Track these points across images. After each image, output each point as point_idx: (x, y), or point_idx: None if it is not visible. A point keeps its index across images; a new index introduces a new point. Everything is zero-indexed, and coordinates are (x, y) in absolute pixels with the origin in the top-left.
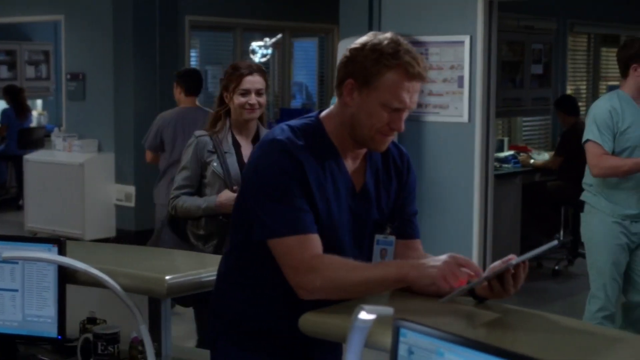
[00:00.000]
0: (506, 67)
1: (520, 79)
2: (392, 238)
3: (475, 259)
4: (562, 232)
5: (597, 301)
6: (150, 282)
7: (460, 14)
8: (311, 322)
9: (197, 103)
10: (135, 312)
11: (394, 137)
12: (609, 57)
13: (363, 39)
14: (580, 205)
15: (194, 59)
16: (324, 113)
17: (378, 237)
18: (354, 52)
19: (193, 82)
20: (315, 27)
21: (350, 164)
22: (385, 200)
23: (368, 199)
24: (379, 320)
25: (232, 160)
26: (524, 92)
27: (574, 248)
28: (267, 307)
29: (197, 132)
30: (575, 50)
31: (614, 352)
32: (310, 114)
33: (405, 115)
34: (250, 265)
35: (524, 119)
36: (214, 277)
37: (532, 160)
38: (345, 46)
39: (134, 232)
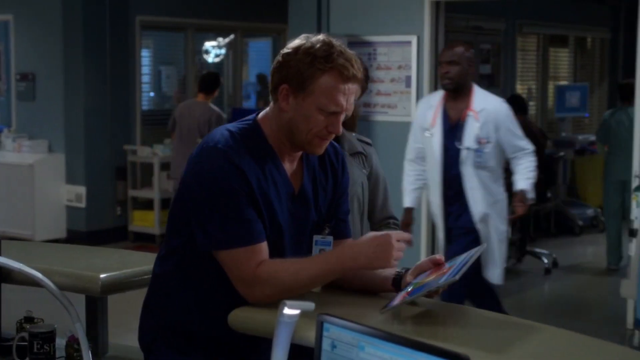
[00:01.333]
0: None
1: None
2: (330, 238)
3: (423, 256)
4: (510, 230)
5: None
6: (85, 280)
7: (407, 15)
8: (240, 318)
9: (209, 100)
10: (70, 310)
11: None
12: (558, 57)
13: (295, 42)
14: None
15: (146, 59)
16: (261, 115)
17: (316, 237)
18: (287, 56)
19: (203, 82)
20: (268, 27)
21: (288, 166)
22: (322, 200)
23: (306, 200)
24: (307, 315)
25: None
26: None
27: (523, 246)
28: (206, 311)
29: None
30: (525, 50)
31: (528, 342)
32: (248, 117)
33: (342, 117)
34: (190, 270)
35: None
36: (150, 275)
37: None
38: None
39: (85, 232)
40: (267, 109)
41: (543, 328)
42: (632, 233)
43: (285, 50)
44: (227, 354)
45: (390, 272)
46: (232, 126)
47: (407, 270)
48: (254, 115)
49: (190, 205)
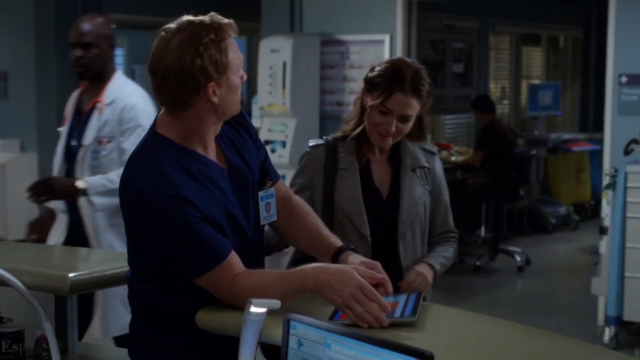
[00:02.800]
0: (428, 66)
1: (442, 78)
2: (272, 189)
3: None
4: (483, 229)
5: None
6: (54, 279)
7: (380, 13)
8: (206, 317)
9: None
10: (39, 309)
11: None
12: (531, 56)
13: (177, 52)
14: None
15: (120, 58)
16: (159, 127)
17: (261, 194)
18: (192, 63)
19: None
20: (241, 26)
21: (210, 151)
22: (252, 160)
23: (241, 172)
24: (274, 314)
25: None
26: (446, 90)
27: (495, 244)
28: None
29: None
30: (498, 49)
31: (500, 340)
32: (146, 138)
33: None
34: (169, 290)
35: (447, 117)
36: (119, 274)
37: (453, 158)
38: (266, 45)
39: None
40: (160, 119)
41: (515, 326)
42: (603, 231)
43: (174, 65)
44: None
45: (335, 242)
46: (144, 152)
47: (352, 249)
48: (147, 131)
49: (150, 247)
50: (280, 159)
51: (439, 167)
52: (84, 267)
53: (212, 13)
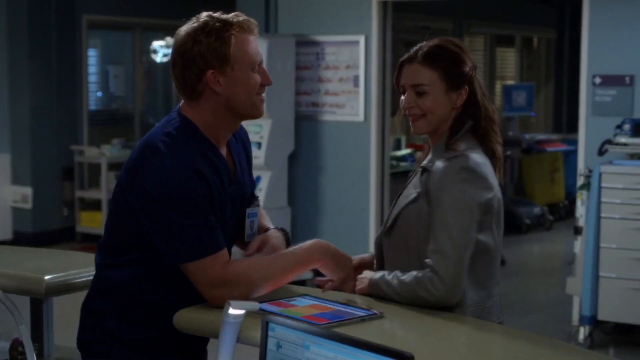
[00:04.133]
0: None
1: None
2: (257, 208)
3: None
4: None
5: None
6: (29, 282)
7: (355, 14)
8: (185, 318)
9: None
10: (14, 312)
11: None
12: (505, 57)
13: (185, 35)
14: None
15: (93, 59)
16: (185, 111)
17: (248, 210)
18: (192, 49)
19: None
20: None
21: (223, 152)
22: (247, 176)
23: (241, 181)
24: (252, 316)
25: None
26: None
27: None
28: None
29: None
30: (473, 50)
31: (476, 340)
32: (171, 117)
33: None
34: (156, 278)
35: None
36: None
37: None
38: None
39: (31, 234)
40: (183, 106)
41: (490, 325)
42: (577, 231)
43: (183, 47)
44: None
45: (265, 225)
46: (164, 129)
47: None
48: (175, 113)
49: (148, 219)
50: (256, 160)
51: (436, 182)
52: (60, 269)
53: (238, 12)
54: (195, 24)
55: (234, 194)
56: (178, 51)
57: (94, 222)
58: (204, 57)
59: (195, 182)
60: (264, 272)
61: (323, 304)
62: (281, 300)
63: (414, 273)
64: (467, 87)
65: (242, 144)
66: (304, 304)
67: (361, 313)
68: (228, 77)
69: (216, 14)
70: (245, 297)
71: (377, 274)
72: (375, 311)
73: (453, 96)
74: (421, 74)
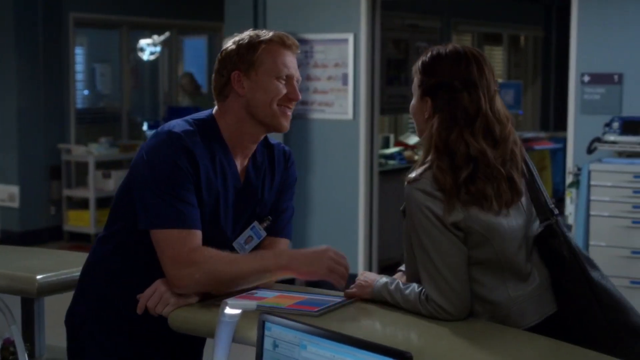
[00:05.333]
0: (392, 65)
1: (406, 77)
2: (264, 233)
3: (361, 254)
4: None
5: None
6: (21, 281)
7: (344, 13)
8: (180, 318)
9: None
10: (5, 312)
11: (291, 115)
12: (492, 55)
13: (227, 43)
14: None
15: (80, 57)
16: (215, 112)
17: (255, 223)
18: (226, 53)
19: None
20: (203, 25)
21: (240, 162)
22: (268, 196)
23: (251, 195)
24: (248, 315)
25: None
26: (409, 89)
27: None
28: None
29: None
30: None
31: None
32: (204, 112)
33: (297, 85)
34: (129, 253)
35: (410, 115)
36: None
37: (417, 157)
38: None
39: (18, 233)
40: (216, 110)
41: (483, 324)
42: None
43: (221, 53)
44: (157, 337)
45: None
46: (189, 117)
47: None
48: (209, 110)
49: (136, 185)
50: None
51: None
52: (52, 269)
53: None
54: (241, 35)
55: (238, 203)
56: (218, 56)
57: (81, 221)
58: (232, 59)
59: (181, 156)
60: (229, 266)
61: (289, 294)
62: (244, 294)
63: (415, 289)
64: (429, 99)
65: (280, 169)
66: (271, 295)
67: (336, 299)
68: (252, 80)
69: (262, 31)
70: (206, 285)
71: (380, 282)
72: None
73: (423, 106)
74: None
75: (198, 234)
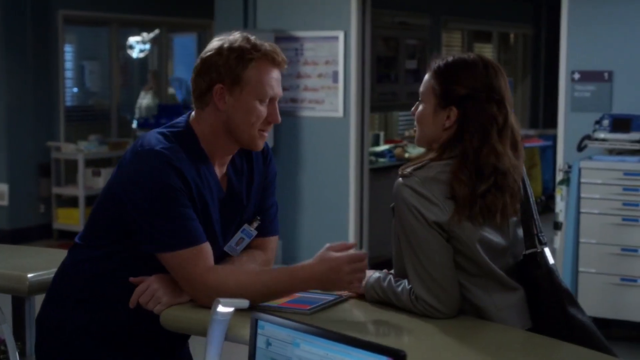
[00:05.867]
0: (382, 63)
1: (396, 74)
2: (254, 233)
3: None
4: None
5: None
6: (12, 280)
7: (334, 10)
8: (172, 316)
9: None
10: None
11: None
12: (482, 53)
13: (215, 44)
14: None
15: (69, 54)
16: (192, 118)
17: (246, 226)
18: (211, 58)
19: None
20: (193, 22)
21: (218, 170)
22: (253, 198)
23: (236, 202)
24: (240, 313)
25: None
26: (399, 86)
27: None
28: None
29: None
30: (451, 45)
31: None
32: (178, 120)
33: (277, 105)
34: (111, 262)
35: (400, 113)
36: None
37: (407, 154)
38: None
39: (8, 231)
40: (193, 113)
41: (475, 321)
42: (557, 226)
43: (206, 53)
44: (138, 343)
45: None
46: (164, 130)
47: None
48: (184, 118)
49: (130, 209)
50: None
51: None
52: (42, 267)
53: (273, 44)
54: (228, 37)
55: (224, 213)
56: (202, 56)
57: (70, 219)
58: (219, 69)
59: (171, 176)
60: (245, 291)
61: None
62: None
63: (406, 287)
64: (455, 109)
65: (259, 167)
66: None
67: (329, 297)
68: (235, 98)
69: (252, 37)
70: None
71: (372, 277)
72: (339, 294)
73: (442, 115)
74: (425, 82)
75: (206, 247)
